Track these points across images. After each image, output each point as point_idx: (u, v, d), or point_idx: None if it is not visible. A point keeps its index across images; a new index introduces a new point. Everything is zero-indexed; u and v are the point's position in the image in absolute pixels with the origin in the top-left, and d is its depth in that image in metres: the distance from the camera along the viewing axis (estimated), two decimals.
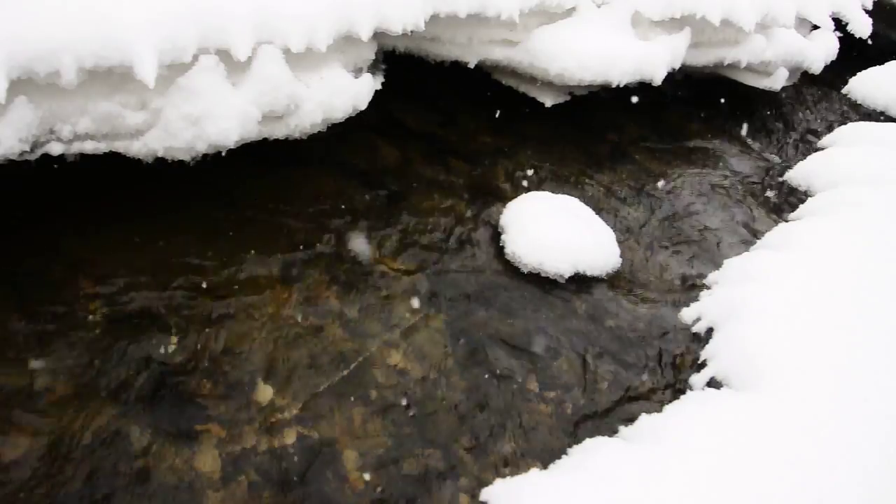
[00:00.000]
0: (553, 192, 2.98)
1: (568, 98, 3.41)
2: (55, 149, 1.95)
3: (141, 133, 2.05)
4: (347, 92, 2.41)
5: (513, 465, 2.03)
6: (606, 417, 2.24)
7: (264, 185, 2.60)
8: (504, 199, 2.93)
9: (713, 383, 2.33)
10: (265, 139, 2.31)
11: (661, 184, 3.46)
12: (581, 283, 2.68)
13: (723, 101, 4.36)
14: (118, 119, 1.98)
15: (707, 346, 2.50)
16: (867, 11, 4.85)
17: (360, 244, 2.51)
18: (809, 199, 3.49)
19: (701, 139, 3.97)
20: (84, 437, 1.75)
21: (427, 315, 2.36)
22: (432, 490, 1.90)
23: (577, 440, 2.09)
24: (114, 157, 2.09)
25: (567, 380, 2.31)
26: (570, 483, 1.82)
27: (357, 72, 2.60)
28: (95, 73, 1.86)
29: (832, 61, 4.48)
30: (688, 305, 2.74)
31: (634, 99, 3.71)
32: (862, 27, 4.71)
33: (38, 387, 1.81)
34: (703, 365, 2.43)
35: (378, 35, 2.55)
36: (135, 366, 1.92)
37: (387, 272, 2.45)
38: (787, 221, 3.38)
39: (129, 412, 1.83)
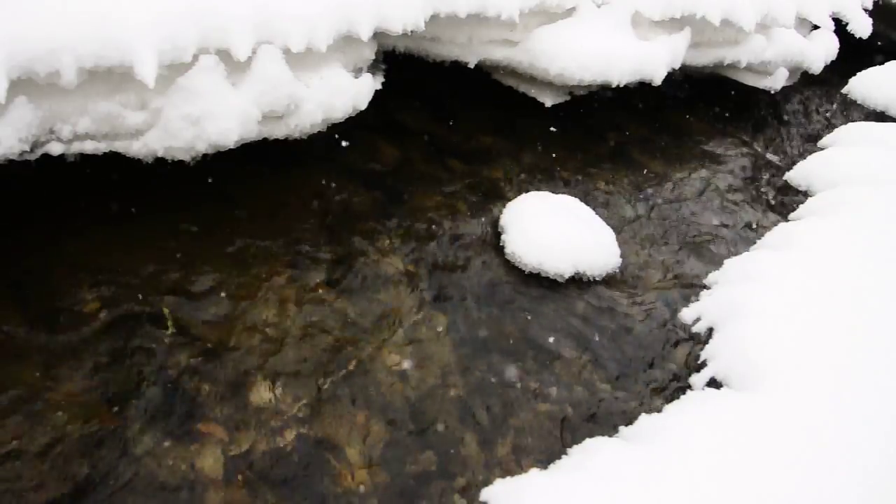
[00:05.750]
0: (553, 192, 2.98)
1: (568, 98, 3.41)
2: (55, 149, 1.96)
3: (141, 133, 2.05)
4: (347, 92, 2.41)
5: (513, 464, 2.03)
6: (607, 417, 2.24)
7: (264, 185, 2.60)
8: (504, 199, 2.93)
9: (713, 383, 2.33)
10: (265, 139, 2.31)
11: (661, 184, 3.46)
12: (581, 282, 2.68)
13: (723, 101, 4.36)
14: (118, 119, 1.99)
15: (707, 346, 2.49)
16: (867, 11, 4.85)
17: (360, 244, 2.51)
18: (809, 199, 3.48)
19: (701, 139, 3.97)
20: (84, 437, 1.75)
21: (427, 315, 2.36)
22: (432, 490, 1.91)
23: (578, 440, 2.09)
24: (114, 157, 2.10)
25: (567, 379, 2.31)
26: (570, 483, 1.82)
27: (357, 72, 2.60)
28: (95, 73, 1.86)
29: (832, 61, 4.48)
30: (688, 305, 2.74)
31: (634, 99, 3.71)
32: (862, 27, 4.70)
33: (38, 387, 1.81)
34: (703, 365, 2.43)
35: (378, 35, 2.55)
36: (134, 366, 1.92)
37: (387, 272, 2.45)
38: (787, 221, 3.38)
39: (128, 412, 1.83)
